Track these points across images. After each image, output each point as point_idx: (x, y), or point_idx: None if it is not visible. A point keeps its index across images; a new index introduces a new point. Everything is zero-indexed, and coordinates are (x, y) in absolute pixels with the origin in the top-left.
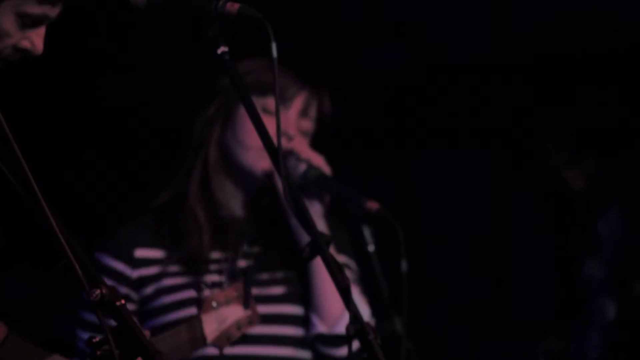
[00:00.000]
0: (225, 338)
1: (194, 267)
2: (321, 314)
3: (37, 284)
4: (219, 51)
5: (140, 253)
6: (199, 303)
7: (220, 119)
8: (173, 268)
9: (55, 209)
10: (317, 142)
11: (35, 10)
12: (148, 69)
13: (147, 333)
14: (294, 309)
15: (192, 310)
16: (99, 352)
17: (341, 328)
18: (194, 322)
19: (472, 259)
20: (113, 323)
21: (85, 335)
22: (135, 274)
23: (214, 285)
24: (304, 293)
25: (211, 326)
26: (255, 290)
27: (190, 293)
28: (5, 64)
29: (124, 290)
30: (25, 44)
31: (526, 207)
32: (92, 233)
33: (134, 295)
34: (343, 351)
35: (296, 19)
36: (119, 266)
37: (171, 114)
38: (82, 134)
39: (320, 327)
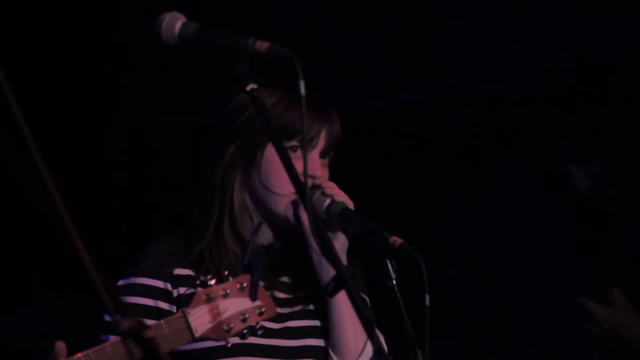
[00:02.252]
0: (222, 330)
1: None
2: (340, 352)
3: (63, 310)
4: (248, 88)
5: (178, 272)
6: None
7: (242, 162)
8: None
9: (84, 238)
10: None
11: None
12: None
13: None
14: (318, 342)
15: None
16: None
17: None
18: (177, 316)
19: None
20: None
21: None
22: (175, 292)
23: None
24: (326, 327)
25: (201, 319)
26: (281, 324)
27: None
28: None
29: (166, 306)
30: None
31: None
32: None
33: (173, 311)
34: None
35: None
36: (160, 284)
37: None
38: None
39: None
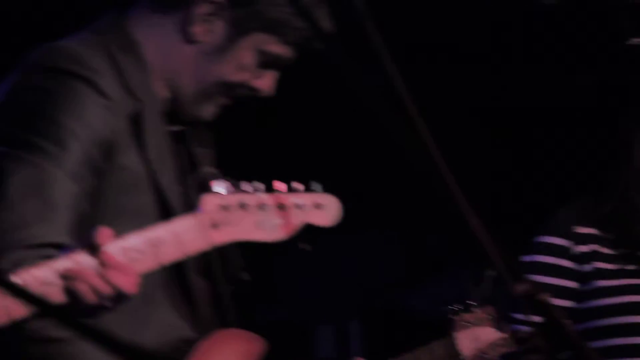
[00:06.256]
0: (479, 357)
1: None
2: None
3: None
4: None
5: (581, 230)
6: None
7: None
8: (612, 265)
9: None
10: None
11: (277, 49)
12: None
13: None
14: None
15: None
16: (528, 345)
17: None
18: (449, 340)
19: None
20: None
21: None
22: (576, 249)
23: None
24: None
25: (466, 343)
26: None
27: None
28: (235, 100)
29: (565, 263)
30: (258, 83)
31: None
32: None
33: (575, 268)
34: None
35: None
36: (564, 242)
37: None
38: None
39: None
